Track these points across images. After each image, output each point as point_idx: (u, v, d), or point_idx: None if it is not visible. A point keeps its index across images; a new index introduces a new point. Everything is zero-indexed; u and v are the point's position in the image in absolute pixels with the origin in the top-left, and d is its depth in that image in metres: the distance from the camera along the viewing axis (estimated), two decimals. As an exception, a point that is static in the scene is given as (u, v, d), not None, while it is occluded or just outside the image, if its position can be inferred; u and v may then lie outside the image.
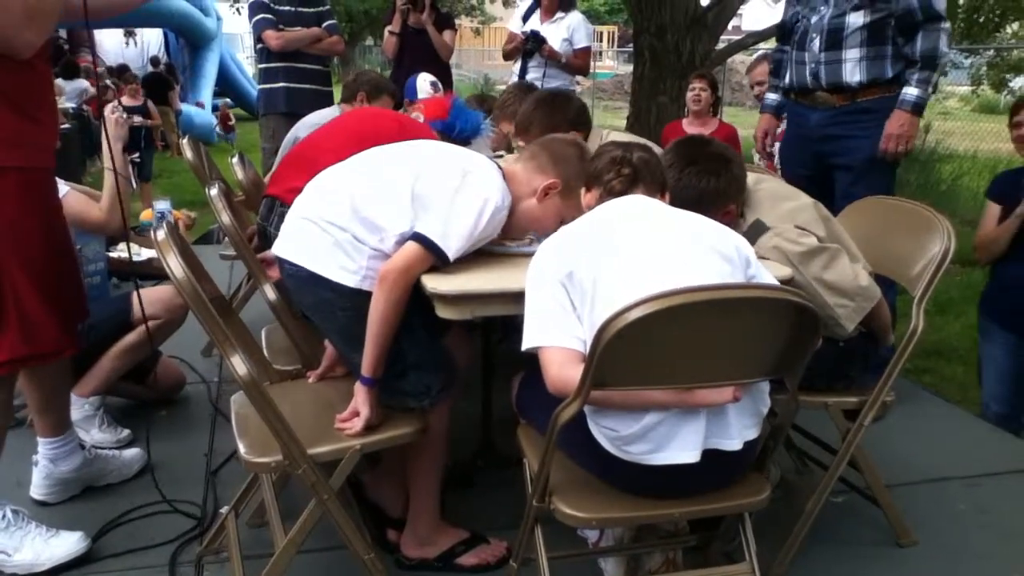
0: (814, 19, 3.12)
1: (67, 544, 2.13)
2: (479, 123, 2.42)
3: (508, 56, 5.20)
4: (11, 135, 1.86)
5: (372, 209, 1.84)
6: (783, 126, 3.68)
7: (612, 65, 27.22)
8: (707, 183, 2.02)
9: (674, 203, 2.06)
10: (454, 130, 2.51)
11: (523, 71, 5.02)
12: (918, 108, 3.01)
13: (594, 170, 1.84)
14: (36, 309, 1.95)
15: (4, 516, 2.10)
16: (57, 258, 2.05)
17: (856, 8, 3.00)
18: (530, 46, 4.91)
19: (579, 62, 5.07)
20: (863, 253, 2.16)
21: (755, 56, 5.02)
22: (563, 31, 4.98)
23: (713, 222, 1.75)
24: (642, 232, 1.66)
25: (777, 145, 3.76)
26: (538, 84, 4.95)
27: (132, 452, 2.59)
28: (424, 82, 3.83)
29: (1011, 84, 12.07)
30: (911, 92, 3.00)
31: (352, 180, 1.92)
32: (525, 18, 5.11)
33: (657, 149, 2.71)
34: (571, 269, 1.60)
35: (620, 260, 1.60)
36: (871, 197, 2.54)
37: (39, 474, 2.35)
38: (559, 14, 5.02)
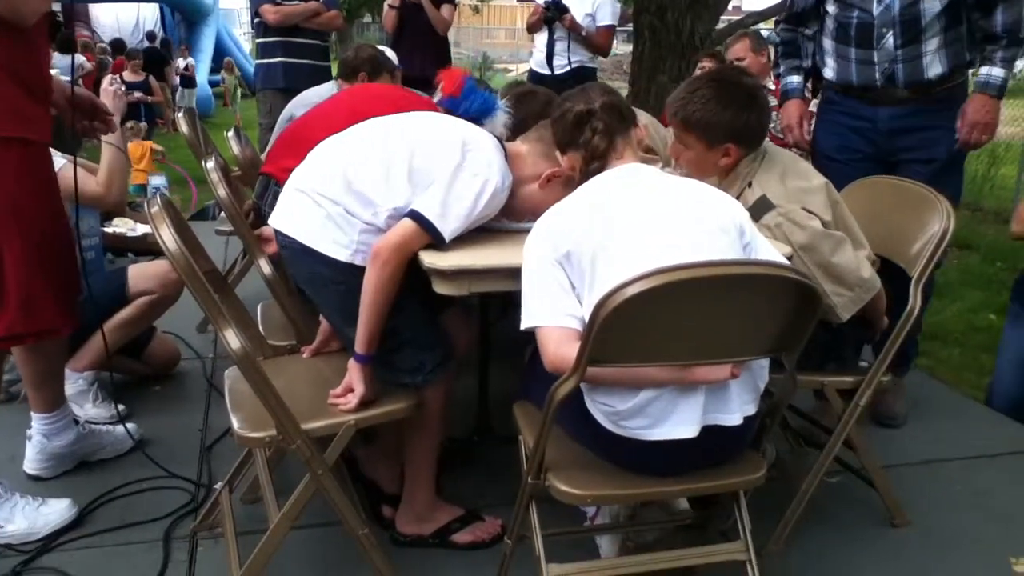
0: (877, 11, 2.63)
1: (58, 511, 2.15)
2: (490, 104, 2.32)
3: (532, 28, 5.10)
4: (15, 108, 1.88)
5: (365, 183, 1.82)
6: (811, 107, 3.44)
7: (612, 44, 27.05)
8: (709, 109, 1.98)
9: (678, 113, 2.02)
10: (458, 108, 2.44)
11: (550, 45, 4.93)
12: (1002, 91, 2.61)
13: (562, 135, 1.79)
14: (35, 285, 1.95)
15: None
16: (54, 233, 2.04)
17: None
18: (551, 14, 4.84)
19: (600, 40, 5.00)
20: (863, 231, 2.14)
21: (736, 34, 4.92)
22: (588, 5, 4.92)
23: (710, 190, 1.73)
24: (638, 208, 1.64)
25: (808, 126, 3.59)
26: (563, 59, 4.90)
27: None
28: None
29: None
30: (995, 73, 2.60)
31: (347, 152, 1.90)
32: None
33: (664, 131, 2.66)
34: (568, 248, 1.59)
35: (618, 237, 1.58)
36: (872, 176, 2.52)
37: (33, 449, 2.34)
38: None
